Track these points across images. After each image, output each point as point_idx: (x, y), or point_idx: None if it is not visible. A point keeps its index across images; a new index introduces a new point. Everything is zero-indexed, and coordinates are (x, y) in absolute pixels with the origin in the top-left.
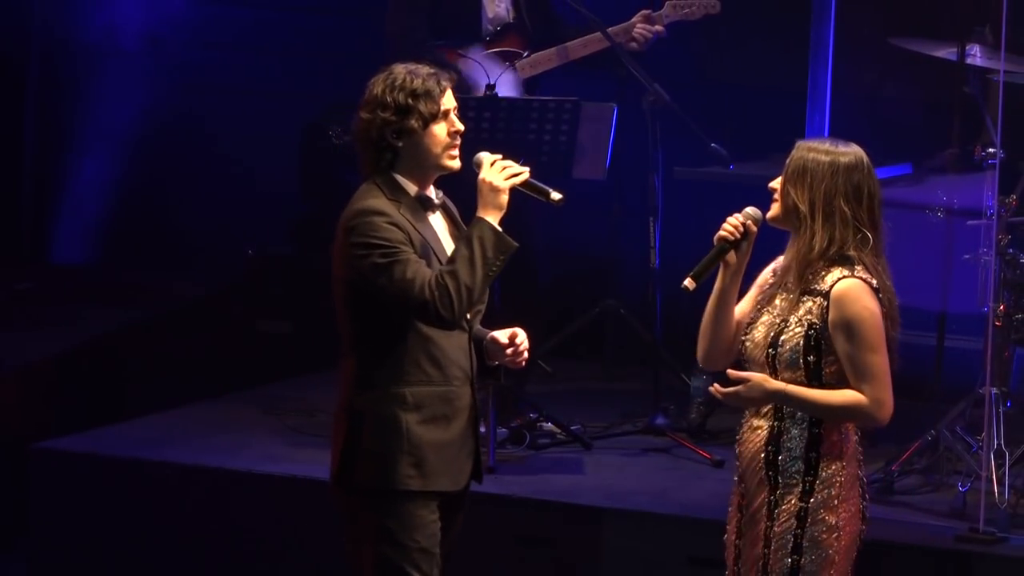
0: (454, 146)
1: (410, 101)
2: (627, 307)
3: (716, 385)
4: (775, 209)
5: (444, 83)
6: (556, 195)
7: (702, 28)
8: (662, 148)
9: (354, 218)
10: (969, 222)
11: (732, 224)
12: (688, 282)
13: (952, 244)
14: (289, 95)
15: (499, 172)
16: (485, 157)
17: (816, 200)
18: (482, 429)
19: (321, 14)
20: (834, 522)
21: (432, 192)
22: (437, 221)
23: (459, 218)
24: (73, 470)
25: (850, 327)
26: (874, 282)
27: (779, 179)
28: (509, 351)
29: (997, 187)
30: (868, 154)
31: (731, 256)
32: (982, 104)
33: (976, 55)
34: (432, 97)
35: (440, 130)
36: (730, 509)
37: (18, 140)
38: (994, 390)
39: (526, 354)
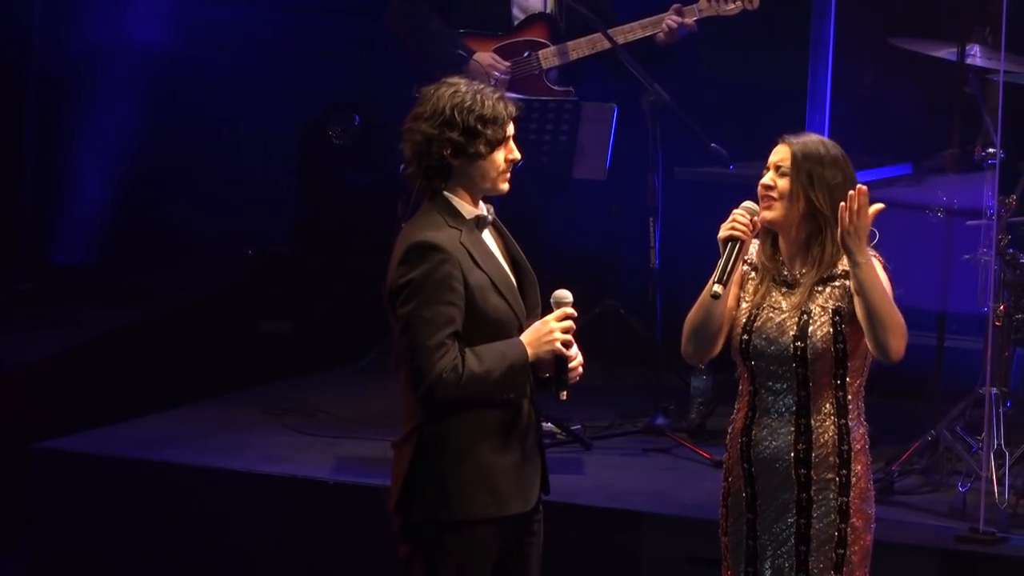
0: (508, 171)
1: (479, 126)
2: (627, 307)
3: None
4: (778, 210)
5: (511, 108)
6: (563, 395)
7: (702, 27)
8: (662, 148)
9: (408, 252)
10: (969, 222)
11: (742, 221)
12: (718, 288)
13: (952, 244)
14: (289, 96)
15: (562, 331)
16: (565, 299)
17: (836, 201)
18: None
19: (322, 14)
20: (871, 512)
21: (484, 209)
22: (489, 239)
23: (507, 232)
24: (73, 470)
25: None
26: (881, 260)
27: (772, 176)
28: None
29: (997, 187)
30: (867, 153)
31: (745, 248)
32: (982, 104)
33: (976, 55)
34: (499, 124)
35: (500, 156)
36: (729, 511)
37: (18, 140)
38: (994, 390)
39: (580, 369)
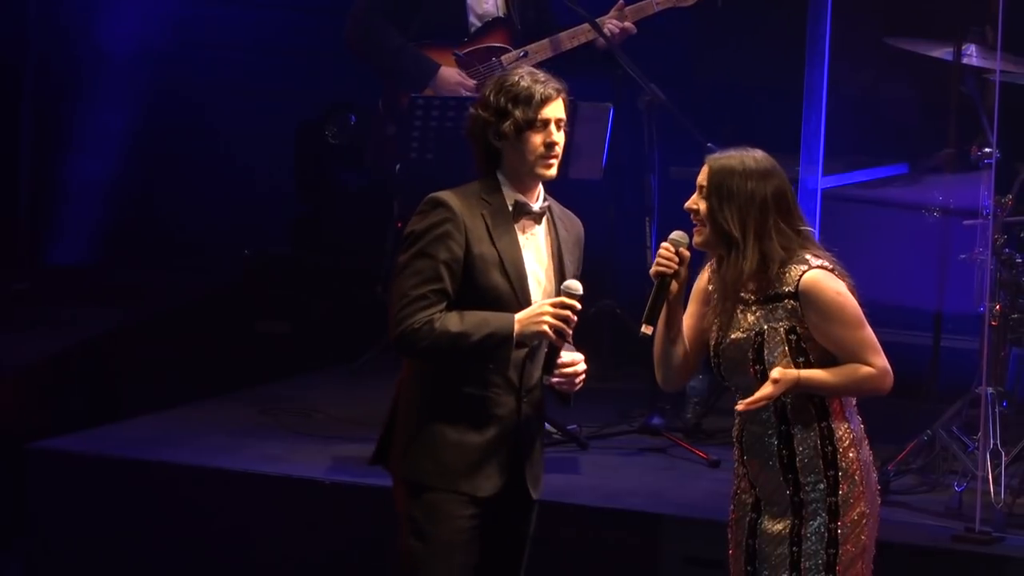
0: (550, 156)
1: (509, 105)
2: (623, 307)
3: (740, 404)
4: (704, 235)
5: (550, 91)
6: (547, 379)
7: (698, 26)
8: (658, 147)
9: (423, 204)
10: (965, 222)
11: (667, 257)
12: (645, 328)
13: (948, 244)
14: (286, 95)
15: (554, 316)
16: (574, 289)
17: (748, 221)
18: None
19: (318, 14)
20: (864, 509)
21: (539, 199)
22: (534, 230)
23: (568, 234)
24: (71, 470)
25: (830, 314)
26: (828, 264)
27: (695, 200)
28: (561, 377)
29: (993, 187)
30: (864, 153)
31: (673, 286)
32: (978, 104)
33: (972, 55)
34: (530, 104)
35: (536, 139)
36: (735, 509)
37: (15, 141)
38: (990, 390)
39: (579, 381)
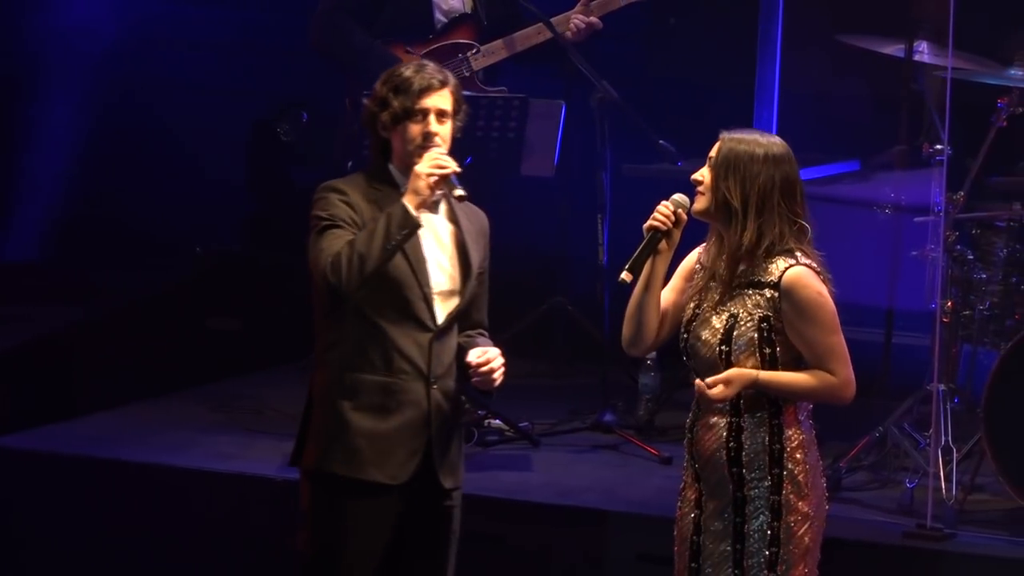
0: (426, 148)
1: (390, 95)
2: (575, 304)
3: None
4: (702, 202)
5: (431, 81)
6: (459, 192)
7: (650, 24)
8: (610, 145)
9: (315, 192)
10: (917, 219)
11: (663, 213)
12: (625, 275)
13: (900, 241)
14: (238, 93)
15: (427, 162)
16: (434, 150)
17: (751, 195)
18: None
19: (270, 12)
20: (807, 511)
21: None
22: (432, 221)
23: (471, 226)
24: (22, 468)
25: (807, 313)
26: (815, 266)
27: (703, 171)
28: (476, 375)
29: (945, 184)
30: (815, 150)
31: (663, 244)
32: (929, 101)
33: (923, 52)
34: (408, 94)
35: (414, 128)
36: (681, 506)
37: None
38: (941, 387)
39: (496, 376)
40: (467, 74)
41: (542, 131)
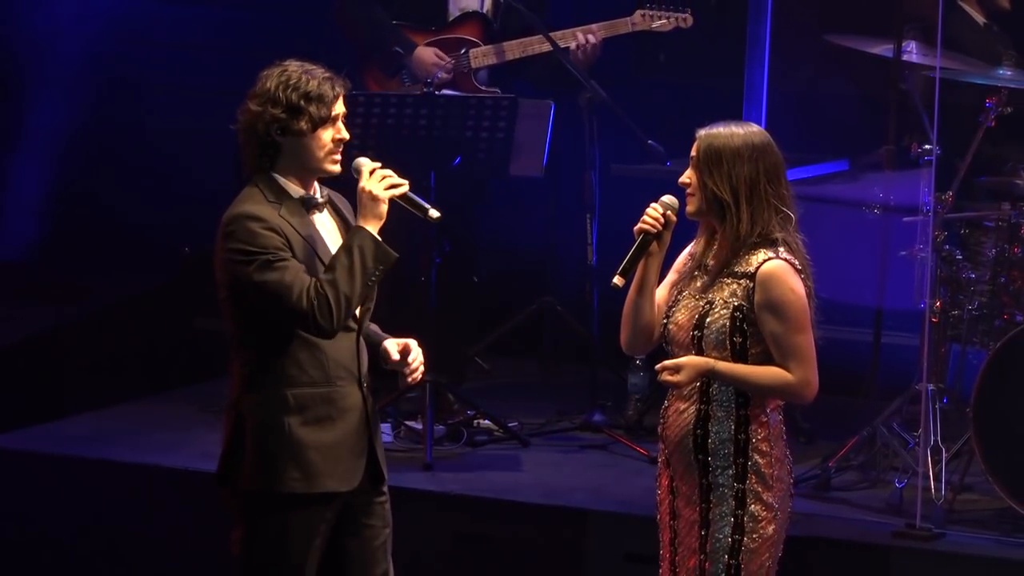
0: (337, 152)
1: (302, 103)
2: (564, 304)
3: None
4: (694, 203)
5: (338, 89)
6: (434, 213)
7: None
8: (599, 145)
9: (231, 223)
10: (905, 219)
11: (652, 216)
12: (617, 280)
13: (889, 241)
14: (226, 93)
15: (379, 182)
16: (365, 164)
17: (739, 186)
18: (418, 425)
19: (259, 12)
20: (771, 501)
21: (317, 192)
22: (324, 220)
23: (351, 215)
24: (9, 468)
25: (777, 308)
26: (797, 263)
27: (688, 173)
28: (405, 370)
29: (933, 184)
30: (804, 150)
31: (653, 246)
32: (918, 101)
33: (912, 52)
34: (324, 102)
35: (326, 135)
36: (659, 492)
37: None
38: (930, 386)
39: (419, 373)
40: (464, 70)
41: (531, 131)
